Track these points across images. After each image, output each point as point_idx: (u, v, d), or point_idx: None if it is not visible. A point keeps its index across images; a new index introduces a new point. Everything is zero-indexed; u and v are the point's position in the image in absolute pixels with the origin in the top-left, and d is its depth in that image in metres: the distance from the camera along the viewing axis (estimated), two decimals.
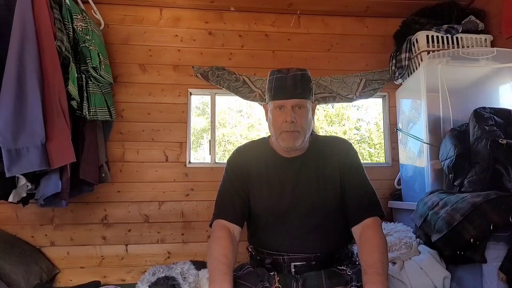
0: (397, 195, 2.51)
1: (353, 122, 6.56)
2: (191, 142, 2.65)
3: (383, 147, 2.85)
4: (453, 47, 2.27)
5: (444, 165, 1.88)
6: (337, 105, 5.56)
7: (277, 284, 1.22)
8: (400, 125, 2.51)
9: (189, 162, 2.56)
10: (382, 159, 3.09)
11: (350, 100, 2.66)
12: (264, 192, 1.36)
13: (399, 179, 2.53)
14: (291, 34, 2.70)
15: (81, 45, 2.03)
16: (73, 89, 1.89)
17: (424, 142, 2.09)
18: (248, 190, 1.38)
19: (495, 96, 2.12)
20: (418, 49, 2.32)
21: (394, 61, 2.50)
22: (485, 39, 2.32)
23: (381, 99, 2.83)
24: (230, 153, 1.49)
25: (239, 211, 1.33)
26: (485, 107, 1.83)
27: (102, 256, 2.40)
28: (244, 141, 1.69)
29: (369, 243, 1.19)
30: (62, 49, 1.81)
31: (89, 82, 2.11)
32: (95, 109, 2.13)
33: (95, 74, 2.11)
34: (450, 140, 1.85)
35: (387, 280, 1.10)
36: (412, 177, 2.30)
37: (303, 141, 1.33)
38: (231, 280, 1.12)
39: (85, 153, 2.08)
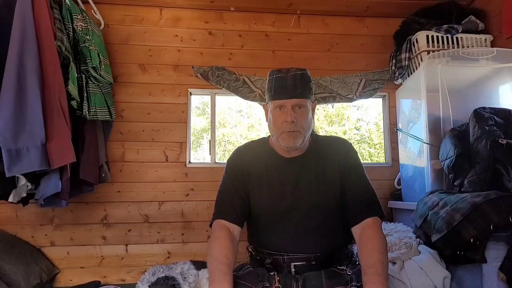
0: (397, 195, 2.51)
1: (353, 122, 6.56)
2: (191, 142, 2.65)
3: (383, 147, 2.85)
4: (453, 47, 2.27)
5: (444, 165, 1.88)
6: (337, 105, 5.57)
7: (277, 284, 1.22)
8: (400, 125, 2.51)
9: (189, 162, 2.56)
10: (382, 159, 3.09)
11: (350, 100, 2.66)
12: (264, 192, 1.36)
13: (399, 179, 2.53)
14: (291, 34, 2.70)
15: (81, 45, 2.03)
16: (73, 89, 1.89)
17: (424, 142, 2.09)
18: (248, 190, 1.38)
19: (495, 96, 2.12)
20: (418, 49, 2.32)
21: (394, 61, 2.50)
22: (485, 39, 2.32)
23: (381, 99, 2.83)
24: (230, 153, 1.49)
25: (239, 211, 1.33)
26: (485, 107, 1.83)
27: (102, 256, 2.40)
28: (244, 141, 1.69)
29: (369, 243, 1.19)
30: (62, 49, 1.81)
31: (89, 82, 2.11)
32: (95, 109, 2.13)
33: (95, 74, 2.11)
34: (450, 140, 1.86)
35: (387, 280, 1.10)
36: (412, 177, 2.30)
37: (303, 141, 1.34)
38: (231, 280, 1.12)
39: (85, 153, 2.08)
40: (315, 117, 1.62)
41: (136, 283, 1.87)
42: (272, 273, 1.27)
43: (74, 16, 1.99)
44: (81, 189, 2.17)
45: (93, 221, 2.40)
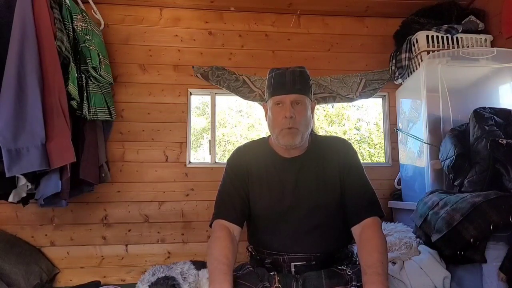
0: (397, 195, 2.51)
1: (353, 122, 6.56)
2: (191, 142, 2.65)
3: (383, 147, 2.85)
4: (453, 47, 2.27)
5: (444, 165, 1.88)
6: (337, 105, 5.57)
7: (277, 284, 1.22)
8: (400, 125, 2.51)
9: (189, 162, 2.56)
10: (382, 159, 3.09)
11: (350, 100, 2.66)
12: (264, 192, 1.36)
13: (399, 179, 2.53)
14: (291, 34, 2.70)
15: (81, 45, 2.03)
16: (73, 89, 1.89)
17: (424, 142, 2.09)
18: (248, 190, 1.38)
19: (495, 96, 2.12)
20: (418, 49, 2.32)
21: (394, 61, 2.50)
22: (485, 39, 2.32)
23: (381, 99, 2.83)
24: (230, 153, 1.49)
25: (239, 211, 1.33)
26: (485, 107, 1.83)
27: (102, 256, 2.40)
28: (244, 141, 1.69)
29: (369, 243, 1.19)
30: (62, 49, 1.81)
31: (89, 82, 2.11)
32: (95, 109, 2.13)
33: (95, 74, 2.11)
34: (450, 140, 1.86)
35: (387, 280, 1.10)
36: (412, 177, 2.30)
37: (302, 139, 1.33)
38: (231, 280, 1.12)
39: (85, 153, 2.08)
40: (315, 117, 1.63)
41: (136, 283, 1.87)
42: (272, 273, 1.27)
43: (74, 16, 1.99)
44: (81, 189, 2.17)
45: (93, 221, 2.40)
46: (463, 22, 2.36)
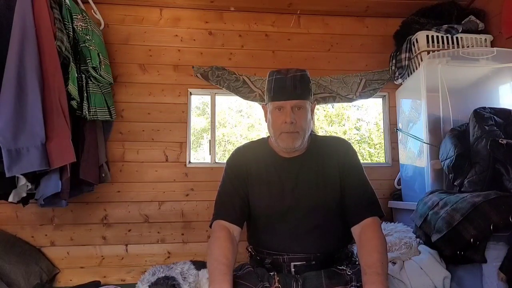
0: (397, 195, 2.51)
1: (353, 122, 6.55)
2: (191, 142, 2.65)
3: (383, 147, 2.85)
4: (453, 47, 2.27)
5: (444, 165, 1.88)
6: (337, 105, 5.57)
7: (277, 284, 1.22)
8: (400, 125, 2.51)
9: (189, 162, 2.56)
10: (382, 159, 3.09)
11: (350, 100, 2.66)
12: (263, 192, 1.36)
13: (399, 179, 2.53)
14: (291, 34, 2.70)
15: (81, 45, 2.03)
16: (73, 89, 1.89)
17: (424, 142, 2.09)
18: (248, 190, 1.38)
19: (495, 96, 2.12)
20: (418, 49, 2.32)
21: (394, 61, 2.50)
22: (485, 39, 2.32)
23: (381, 99, 2.83)
24: (230, 153, 1.49)
25: (239, 212, 1.33)
26: (485, 107, 1.83)
27: (102, 256, 2.40)
28: (244, 141, 1.69)
29: (369, 243, 1.19)
30: (62, 49, 1.81)
31: (89, 82, 2.11)
32: (95, 109, 2.13)
33: (95, 74, 2.11)
34: (450, 140, 1.85)
35: (387, 280, 1.10)
36: (412, 177, 2.30)
37: (302, 142, 1.34)
38: (231, 280, 1.12)
39: (85, 153, 2.08)
40: (315, 117, 1.63)
41: (136, 283, 1.87)
42: (272, 273, 1.27)
43: (74, 16, 1.99)
44: (81, 189, 2.17)
45: (93, 221, 2.40)
46: (463, 22, 2.36)
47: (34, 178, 1.77)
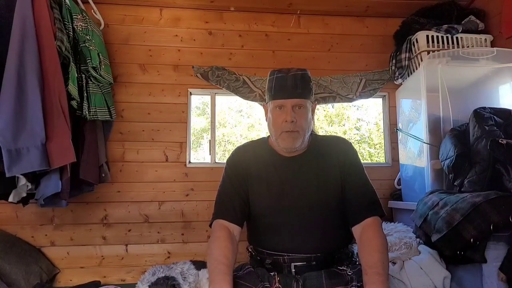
0: (397, 195, 2.51)
1: (353, 122, 6.56)
2: (191, 142, 2.65)
3: (383, 147, 2.85)
4: (453, 47, 2.27)
5: (444, 165, 1.88)
6: (337, 105, 5.57)
7: (277, 284, 1.22)
8: (400, 125, 2.51)
9: (189, 162, 2.56)
10: (382, 159, 3.09)
11: (350, 100, 2.66)
12: (263, 192, 1.36)
13: (399, 179, 2.53)
14: (291, 34, 2.70)
15: (81, 45, 2.03)
16: (73, 89, 1.89)
17: (424, 142, 2.09)
18: (248, 190, 1.38)
19: (495, 96, 2.12)
20: (418, 49, 2.32)
21: (394, 61, 2.50)
22: (485, 39, 2.32)
23: (381, 99, 2.83)
24: (230, 153, 1.49)
25: (239, 211, 1.33)
26: (485, 107, 1.83)
27: (102, 256, 2.40)
28: (244, 141, 1.69)
29: (370, 243, 1.19)
30: (62, 49, 1.81)
31: (89, 82, 2.11)
32: (95, 109, 2.13)
33: (95, 74, 2.11)
34: (450, 140, 1.85)
35: (387, 280, 1.10)
36: (412, 177, 2.30)
37: (303, 142, 1.34)
38: (231, 280, 1.12)
39: (85, 153, 2.08)
40: (315, 117, 1.63)
41: (136, 283, 1.87)
42: (272, 273, 1.27)
43: (74, 16, 1.99)
44: (81, 189, 2.17)
45: (93, 221, 2.40)
46: (463, 22, 2.36)
47: (34, 178, 1.77)
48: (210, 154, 2.61)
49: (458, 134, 1.86)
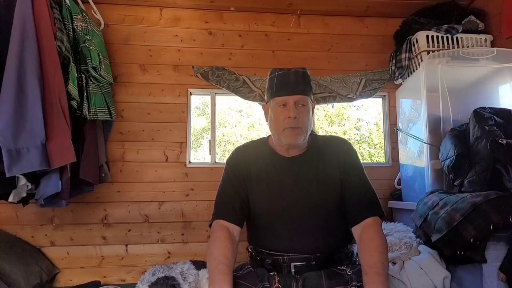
0: (397, 195, 2.51)
1: (353, 122, 6.55)
2: (191, 142, 2.65)
3: (383, 147, 2.85)
4: (453, 47, 2.27)
5: (444, 165, 1.88)
6: (337, 105, 5.57)
7: (277, 284, 1.22)
8: (400, 125, 2.51)
9: (189, 162, 2.56)
10: (382, 159, 3.09)
11: (350, 99, 2.66)
12: (263, 192, 1.36)
13: (399, 179, 2.53)
14: (291, 34, 2.70)
15: (81, 45, 2.03)
16: (73, 89, 1.89)
17: (424, 142, 2.09)
18: (248, 190, 1.38)
19: (495, 96, 2.12)
20: (418, 49, 2.32)
21: (394, 61, 2.50)
22: (485, 39, 2.32)
23: (381, 99, 2.83)
24: (230, 153, 1.49)
25: (239, 211, 1.33)
26: (485, 107, 1.83)
27: (102, 256, 2.40)
28: (244, 141, 1.69)
29: (369, 243, 1.19)
30: (62, 49, 1.81)
31: (89, 82, 2.11)
32: (95, 109, 2.13)
33: (95, 74, 2.11)
34: (450, 140, 1.85)
35: (387, 280, 1.10)
36: (412, 177, 2.30)
37: (304, 139, 1.34)
38: (231, 280, 1.12)
39: (85, 153, 2.08)
40: (315, 117, 1.63)
41: (136, 283, 1.87)
42: (272, 273, 1.27)
43: (74, 16, 1.99)
44: (81, 189, 2.17)
45: (93, 221, 2.40)
46: (463, 22, 2.36)
47: (34, 178, 1.77)
48: (210, 154, 2.61)
49: (458, 134, 1.86)
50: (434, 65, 2.08)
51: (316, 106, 1.52)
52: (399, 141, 2.54)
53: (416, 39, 2.33)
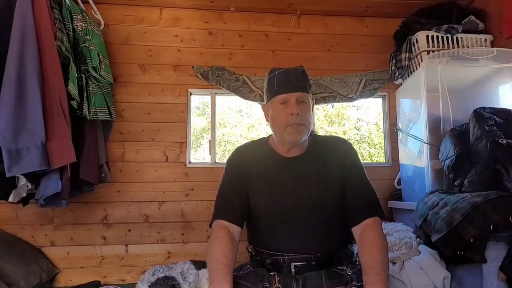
0: (397, 195, 2.51)
1: (353, 122, 6.55)
2: (191, 142, 2.65)
3: (383, 147, 2.85)
4: (453, 47, 2.27)
5: (444, 165, 1.88)
6: (337, 105, 5.57)
7: (277, 284, 1.22)
8: (400, 125, 2.51)
9: (189, 162, 2.56)
10: (382, 159, 3.09)
11: (350, 99, 2.66)
12: (263, 192, 1.36)
13: (399, 179, 2.53)
14: (291, 34, 2.70)
15: (81, 45, 2.03)
16: (73, 89, 1.89)
17: (424, 142, 2.09)
18: (248, 190, 1.37)
19: (495, 96, 2.12)
20: (418, 49, 2.32)
21: (394, 61, 2.50)
22: (485, 39, 2.32)
23: (381, 99, 2.83)
24: (230, 153, 1.48)
25: (239, 211, 1.33)
26: (485, 107, 1.83)
27: (102, 256, 2.40)
28: (244, 141, 1.69)
29: (370, 243, 1.19)
30: (62, 49, 1.82)
31: (89, 82, 2.11)
32: (95, 109, 2.13)
33: (95, 74, 2.11)
34: (450, 140, 1.85)
35: (387, 280, 1.10)
36: (412, 177, 2.30)
37: (307, 136, 1.34)
38: (231, 280, 1.12)
39: (85, 153, 2.08)
40: (315, 117, 1.63)
41: (136, 283, 1.87)
42: (272, 273, 1.27)
43: (74, 16, 1.99)
44: (81, 189, 2.17)
45: (93, 221, 2.40)
46: (463, 22, 2.36)
47: (34, 178, 1.77)
48: (210, 154, 2.61)
49: (458, 134, 1.86)
50: (434, 65, 2.08)
51: (316, 106, 1.52)
52: (399, 141, 2.54)
53: (416, 39, 2.33)
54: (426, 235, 1.72)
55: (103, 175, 2.25)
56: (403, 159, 2.48)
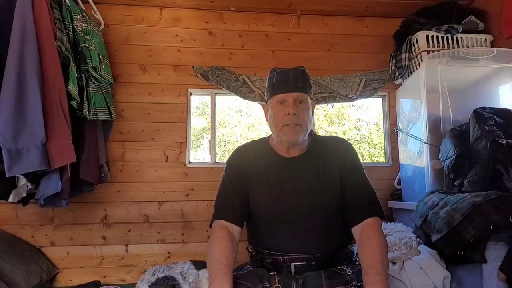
0: (397, 195, 2.51)
1: (353, 122, 6.55)
2: (191, 142, 2.65)
3: (383, 147, 2.85)
4: (453, 47, 2.27)
5: (444, 165, 1.88)
6: (337, 105, 5.57)
7: (277, 284, 1.22)
8: (400, 125, 2.51)
9: (189, 162, 2.56)
10: (382, 159, 3.09)
11: (350, 99, 2.66)
12: (263, 192, 1.36)
13: (399, 179, 2.53)
14: (291, 34, 2.70)
15: (81, 45, 2.03)
16: (73, 89, 1.89)
17: (424, 142, 2.09)
18: (248, 190, 1.38)
19: (495, 96, 2.12)
20: (418, 49, 2.32)
21: (394, 61, 2.50)
22: (485, 39, 2.32)
23: (381, 99, 2.83)
24: (230, 153, 1.49)
25: (239, 212, 1.33)
26: (485, 107, 1.83)
27: (102, 256, 2.40)
28: (244, 141, 1.69)
29: (369, 243, 1.19)
30: (62, 49, 1.81)
31: (89, 82, 2.11)
32: (95, 109, 2.13)
33: (95, 74, 2.11)
34: (450, 140, 1.85)
35: (387, 280, 1.10)
36: (412, 177, 2.30)
37: (304, 136, 1.34)
38: (231, 280, 1.12)
39: (85, 153, 2.08)
40: (315, 117, 1.63)
41: (136, 283, 1.87)
42: (272, 273, 1.27)
43: (74, 16, 1.99)
44: (81, 189, 2.17)
45: (93, 221, 2.40)
46: (463, 22, 2.36)
47: (34, 178, 1.77)
48: (210, 154, 2.61)
49: (458, 134, 1.86)
50: (434, 65, 2.08)
51: (316, 106, 1.52)
52: (399, 141, 2.54)
53: (416, 39, 2.33)
54: (426, 235, 1.72)
55: (103, 175, 2.25)
56: (403, 159, 2.48)
